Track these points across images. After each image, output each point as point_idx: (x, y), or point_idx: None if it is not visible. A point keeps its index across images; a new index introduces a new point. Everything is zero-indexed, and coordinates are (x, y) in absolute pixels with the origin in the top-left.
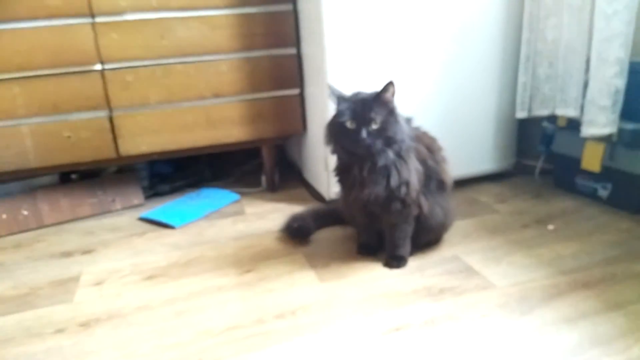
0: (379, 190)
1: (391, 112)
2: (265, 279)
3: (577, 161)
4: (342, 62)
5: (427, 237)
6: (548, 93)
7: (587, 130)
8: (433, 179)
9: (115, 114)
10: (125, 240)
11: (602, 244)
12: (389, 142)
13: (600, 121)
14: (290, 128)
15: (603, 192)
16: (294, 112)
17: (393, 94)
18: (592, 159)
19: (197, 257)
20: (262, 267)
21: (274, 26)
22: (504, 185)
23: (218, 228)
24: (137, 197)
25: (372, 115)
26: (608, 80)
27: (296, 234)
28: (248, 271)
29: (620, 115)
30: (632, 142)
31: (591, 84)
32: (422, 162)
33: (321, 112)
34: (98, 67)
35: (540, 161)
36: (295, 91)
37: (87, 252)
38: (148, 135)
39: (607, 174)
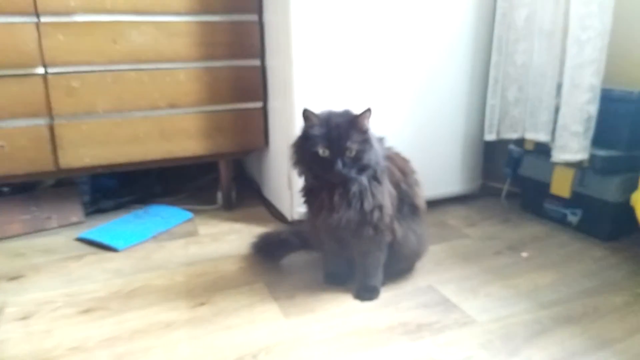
0: (350, 214)
1: (366, 138)
2: (222, 314)
3: (545, 185)
4: (309, 76)
5: (399, 266)
6: (517, 116)
7: (559, 156)
8: (406, 203)
9: (57, 122)
10: (60, 265)
11: (579, 274)
12: (364, 168)
13: (573, 147)
14: (251, 143)
15: (573, 218)
16: (256, 126)
17: (368, 119)
18: (561, 184)
19: (142, 286)
20: (217, 299)
21: (238, 36)
22: (471, 208)
23: (167, 251)
24: (76, 214)
25: (349, 144)
26: (580, 107)
27: (267, 254)
28: (201, 304)
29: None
30: (604, 169)
31: (563, 110)
32: (395, 185)
33: (285, 127)
34: (40, 70)
35: (506, 184)
36: (258, 104)
37: (14, 278)
38: (93, 146)
39: (577, 199)
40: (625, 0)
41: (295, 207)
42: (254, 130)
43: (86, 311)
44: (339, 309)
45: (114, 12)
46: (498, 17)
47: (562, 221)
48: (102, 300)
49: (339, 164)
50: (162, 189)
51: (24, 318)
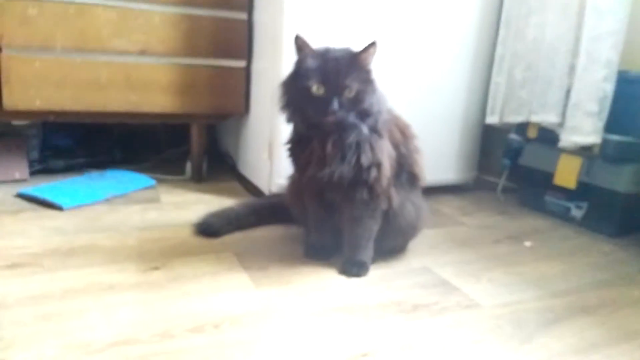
0: (344, 170)
1: (368, 78)
2: (179, 280)
3: (548, 176)
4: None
5: (393, 241)
6: (524, 97)
7: (569, 138)
8: (404, 171)
9: (6, 53)
10: None
11: (588, 266)
12: (364, 114)
13: (586, 128)
14: (230, 106)
15: (577, 212)
16: (237, 87)
17: (372, 57)
18: (567, 174)
19: (85, 246)
20: (175, 265)
21: None
22: (465, 199)
23: (121, 215)
24: (20, 170)
25: (348, 81)
26: (596, 84)
27: (207, 231)
28: (155, 268)
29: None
30: (616, 156)
31: (577, 87)
32: (395, 146)
33: (271, 91)
34: None
35: (503, 177)
36: (241, 63)
37: None
38: (46, 87)
39: (582, 191)
40: None
41: (274, 179)
42: (234, 92)
43: (11, 266)
44: (321, 283)
45: None
46: None
47: (564, 216)
48: (33, 256)
49: (335, 104)
50: (123, 155)
51: None
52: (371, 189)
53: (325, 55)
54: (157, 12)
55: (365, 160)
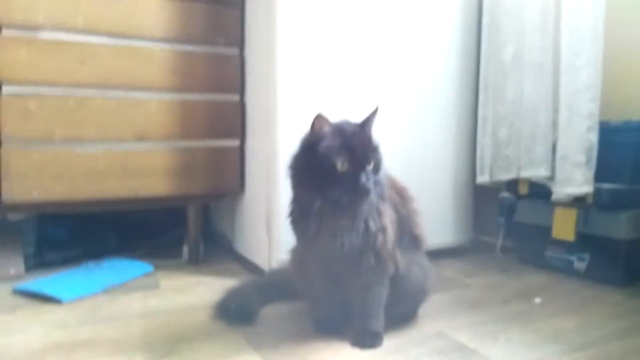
0: (353, 238)
1: (377, 146)
2: None
3: (545, 231)
4: (295, 115)
5: (403, 307)
6: (511, 155)
7: (562, 190)
8: (405, 233)
9: (5, 147)
10: None
11: (602, 318)
12: (377, 183)
13: (577, 179)
14: (226, 185)
15: (580, 265)
16: (232, 167)
17: (374, 123)
18: (564, 227)
19: (88, 339)
20: (184, 352)
21: (217, 69)
22: (465, 261)
23: (122, 304)
24: (16, 265)
25: (370, 155)
26: (581, 135)
27: (236, 317)
28: (165, 355)
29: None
30: (611, 204)
31: (563, 140)
32: (394, 209)
33: (266, 168)
34: None
35: (500, 235)
36: (235, 143)
37: None
38: (44, 179)
39: (582, 242)
40: (616, 27)
41: (274, 254)
42: (230, 171)
43: None
44: (336, 358)
45: (86, 32)
46: (483, 56)
47: (567, 269)
48: (35, 353)
49: (363, 178)
50: (119, 243)
51: None
52: (378, 254)
53: (342, 131)
54: (154, 100)
55: (373, 227)
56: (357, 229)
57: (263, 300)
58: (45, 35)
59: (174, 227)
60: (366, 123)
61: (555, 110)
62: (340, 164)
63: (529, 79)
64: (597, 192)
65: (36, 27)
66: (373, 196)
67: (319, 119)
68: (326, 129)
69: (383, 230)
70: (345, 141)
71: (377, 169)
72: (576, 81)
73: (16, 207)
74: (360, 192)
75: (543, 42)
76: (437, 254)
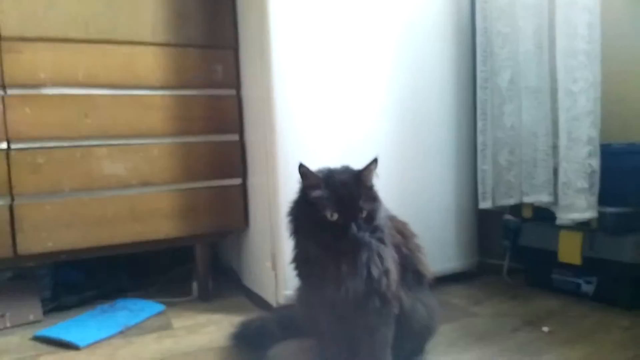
0: (357, 284)
1: (374, 194)
2: None
3: (550, 254)
4: (294, 151)
5: (409, 345)
6: (512, 180)
7: (566, 216)
8: (409, 270)
9: (18, 202)
10: None
11: (613, 345)
12: (374, 230)
13: (580, 205)
14: (230, 223)
15: (588, 287)
16: (235, 204)
17: (374, 172)
18: (570, 250)
19: None
20: None
21: (215, 111)
22: (471, 287)
23: (137, 347)
24: (34, 311)
25: (360, 205)
26: (582, 161)
27: (253, 342)
28: None
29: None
30: (616, 227)
31: (565, 166)
32: (396, 249)
33: (268, 204)
34: (3, 145)
35: (506, 259)
36: (237, 181)
37: None
38: (57, 229)
39: (589, 266)
40: (612, 52)
41: (281, 290)
42: (233, 209)
43: None
44: None
45: (87, 86)
46: (479, 82)
47: (575, 292)
48: None
49: (354, 228)
50: (131, 282)
51: None
52: (383, 296)
53: (332, 181)
54: (156, 145)
55: (375, 272)
56: (359, 274)
57: (275, 337)
58: (47, 91)
59: (183, 262)
60: (363, 172)
61: (555, 135)
62: (330, 215)
63: (527, 105)
64: (601, 217)
65: (39, 85)
66: (366, 244)
67: (301, 169)
68: (313, 180)
69: (386, 273)
70: (334, 191)
71: (371, 217)
72: (575, 107)
73: (32, 257)
74: (352, 243)
75: (539, 67)
76: (443, 280)
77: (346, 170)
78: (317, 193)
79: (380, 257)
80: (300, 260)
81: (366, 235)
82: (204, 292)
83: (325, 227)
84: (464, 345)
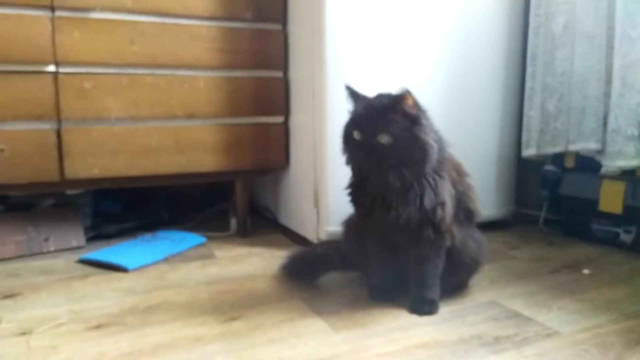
0: (411, 212)
1: (414, 122)
2: (259, 328)
3: (591, 204)
4: (342, 90)
5: (457, 277)
6: (560, 127)
7: (613, 163)
8: (461, 208)
9: (65, 126)
10: (62, 284)
11: None
12: (411, 158)
13: (629, 152)
14: (271, 161)
15: (626, 237)
16: (277, 142)
17: (413, 104)
18: (612, 199)
19: (160, 303)
20: (252, 314)
21: (261, 45)
22: (508, 234)
23: (183, 272)
24: (77, 237)
25: (381, 126)
26: (634, 108)
27: (301, 274)
28: (234, 319)
29: None
30: None
31: (615, 113)
32: (453, 185)
33: (311, 144)
34: (51, 68)
35: (544, 208)
36: (280, 119)
37: (8, 296)
38: (103, 156)
39: (630, 215)
40: None
41: (322, 226)
42: (275, 147)
43: (97, 327)
44: (395, 323)
45: (135, 12)
46: (532, 27)
47: (613, 242)
48: (115, 316)
49: (370, 147)
50: (170, 216)
51: (24, 334)
52: (437, 228)
53: (366, 103)
54: (201, 77)
55: (428, 202)
56: (412, 203)
57: (322, 268)
58: (96, 15)
59: (217, 201)
60: (392, 100)
61: (607, 82)
62: (355, 133)
63: (580, 50)
64: None
65: (87, 8)
66: (389, 167)
67: (346, 89)
68: (354, 98)
69: (442, 204)
70: (360, 112)
71: (400, 145)
72: (631, 52)
73: (78, 183)
74: (368, 160)
75: (596, 11)
76: (480, 226)
77: (388, 96)
78: (352, 111)
79: (433, 188)
80: (353, 184)
81: (391, 161)
82: (242, 228)
83: (353, 144)
84: (505, 282)
